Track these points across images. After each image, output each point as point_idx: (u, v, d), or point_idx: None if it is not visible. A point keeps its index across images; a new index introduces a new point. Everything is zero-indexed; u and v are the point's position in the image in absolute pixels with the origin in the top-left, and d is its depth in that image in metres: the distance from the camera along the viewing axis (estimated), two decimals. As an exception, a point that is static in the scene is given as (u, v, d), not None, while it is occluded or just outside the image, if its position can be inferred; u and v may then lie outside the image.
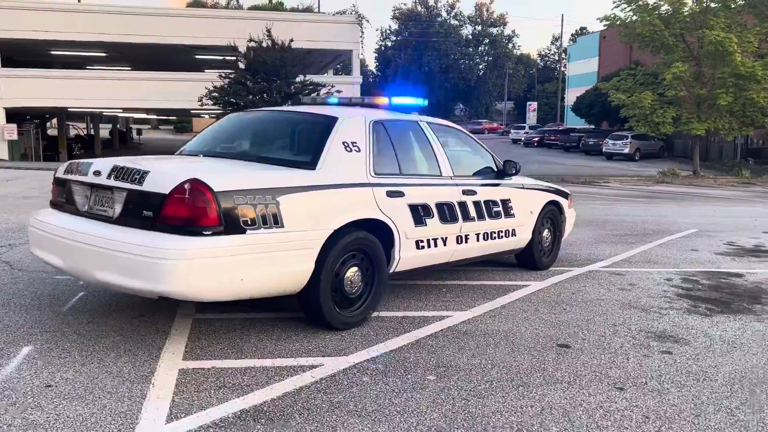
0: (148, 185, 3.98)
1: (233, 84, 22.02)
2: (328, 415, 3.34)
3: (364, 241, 4.74)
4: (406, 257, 5.14)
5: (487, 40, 71.35)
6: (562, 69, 72.83)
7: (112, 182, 4.17)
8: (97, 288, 5.35)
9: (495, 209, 6.10)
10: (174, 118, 71.42)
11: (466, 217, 5.70)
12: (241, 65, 22.58)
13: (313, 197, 4.40)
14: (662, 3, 27.56)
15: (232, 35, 23.22)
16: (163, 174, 4.04)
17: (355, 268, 4.74)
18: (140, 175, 4.04)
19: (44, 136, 35.82)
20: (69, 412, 3.27)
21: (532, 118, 65.00)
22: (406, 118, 5.71)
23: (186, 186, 3.85)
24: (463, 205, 5.68)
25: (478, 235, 5.90)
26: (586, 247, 8.79)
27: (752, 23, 27.65)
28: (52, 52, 31.09)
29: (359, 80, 31.35)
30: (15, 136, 27.89)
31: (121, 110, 36.97)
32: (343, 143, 4.82)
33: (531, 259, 6.94)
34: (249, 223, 3.99)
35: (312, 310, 4.56)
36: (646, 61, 34.16)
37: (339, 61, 37.89)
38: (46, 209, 4.90)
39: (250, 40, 21.90)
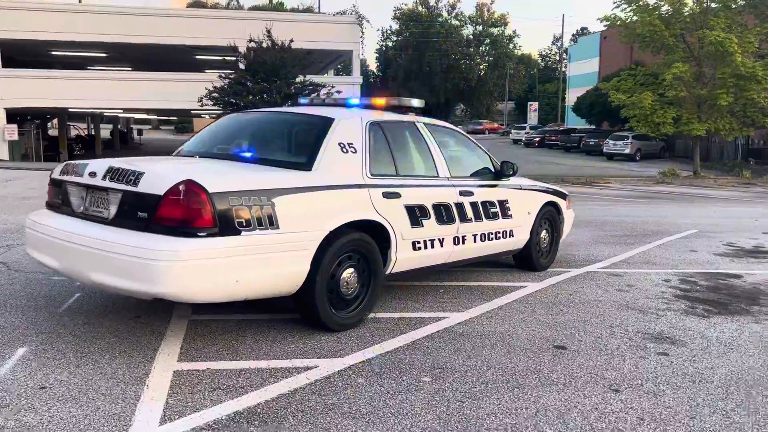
0: (143, 186, 3.97)
1: (233, 84, 22.03)
2: (321, 417, 3.34)
3: (360, 243, 4.73)
4: (402, 258, 5.13)
5: (488, 41, 71.22)
6: (563, 69, 72.81)
7: (107, 183, 4.17)
8: (94, 289, 5.35)
9: (492, 210, 6.09)
10: (175, 118, 71.47)
11: (463, 218, 5.70)
12: (241, 66, 22.59)
13: (308, 198, 4.40)
14: (662, 3, 27.54)
15: (232, 36, 23.25)
16: (157, 175, 4.04)
17: (351, 270, 4.73)
18: (135, 177, 4.04)
19: (45, 136, 35.86)
20: (62, 413, 3.26)
21: (532, 118, 64.98)
22: (403, 119, 5.71)
23: (181, 187, 3.84)
24: (460, 206, 5.67)
25: (475, 236, 5.89)
26: (584, 247, 8.78)
27: (753, 23, 27.62)
28: (53, 53, 31.13)
29: (359, 80, 31.35)
30: (15, 137, 27.91)
31: (121, 110, 36.98)
32: (340, 144, 4.82)
33: (529, 260, 6.93)
34: (244, 224, 3.98)
35: (308, 311, 4.56)
36: (647, 62, 34.12)
37: (339, 61, 37.91)
38: (42, 210, 4.89)
39: (250, 41, 21.91)
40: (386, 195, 4.94)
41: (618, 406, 3.62)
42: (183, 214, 3.84)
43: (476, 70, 70.88)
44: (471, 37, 71.49)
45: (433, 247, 5.41)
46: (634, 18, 27.92)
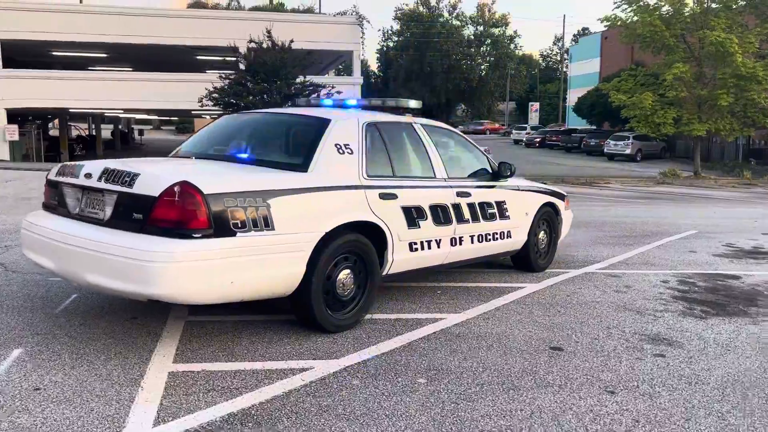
0: (138, 188, 3.97)
1: (233, 85, 22.03)
2: (315, 419, 3.33)
3: (356, 244, 4.73)
4: (399, 259, 5.13)
5: (489, 41, 71.13)
6: (564, 69, 72.75)
7: (102, 185, 4.17)
8: (90, 290, 5.34)
9: (490, 211, 6.08)
10: (176, 118, 71.51)
11: (461, 219, 5.69)
12: (242, 66, 22.59)
13: (304, 200, 4.39)
14: (663, 3, 27.52)
15: (232, 36, 23.27)
16: (153, 176, 4.04)
17: (347, 271, 4.73)
18: (130, 178, 4.04)
19: (46, 136, 35.88)
20: (56, 415, 3.26)
21: (534, 118, 64.96)
22: (400, 120, 5.70)
23: (176, 188, 3.84)
24: (457, 207, 5.66)
25: (472, 237, 5.88)
26: (583, 248, 8.77)
27: (753, 23, 27.59)
28: (54, 53, 31.15)
29: (360, 81, 31.36)
30: (16, 137, 27.94)
31: (122, 111, 37.01)
32: (336, 145, 4.81)
33: (527, 260, 6.92)
34: (239, 225, 3.98)
35: (303, 312, 4.55)
36: (648, 62, 34.12)
37: (340, 61, 37.92)
38: (38, 211, 4.89)
39: (251, 41, 21.91)
40: (383, 196, 4.93)
41: (613, 407, 3.61)
42: (178, 216, 3.83)
43: (477, 71, 70.82)
44: (472, 37, 71.43)
45: (430, 248, 5.41)
46: (635, 18, 27.90)
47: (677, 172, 28.22)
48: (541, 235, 7.06)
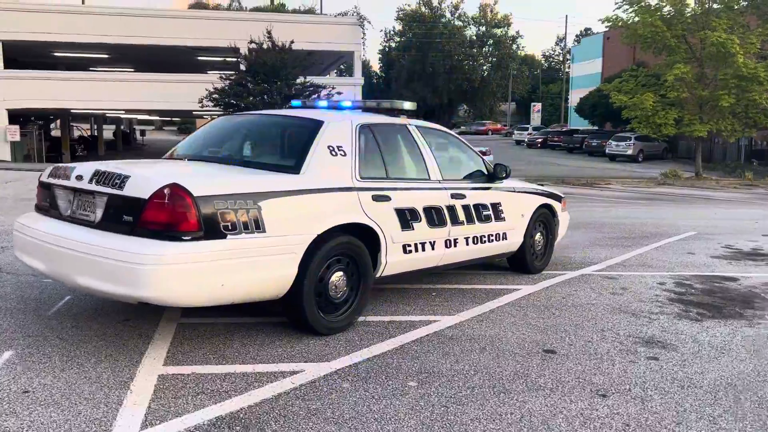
0: (129, 190, 3.96)
1: (234, 86, 22.04)
2: (304, 423, 3.32)
3: (349, 246, 4.71)
4: (393, 261, 5.11)
5: (491, 41, 71.13)
6: (566, 70, 72.69)
7: (93, 187, 4.16)
8: (82, 292, 5.34)
9: (485, 213, 6.06)
10: (177, 119, 71.56)
11: (455, 221, 5.67)
12: (242, 67, 22.60)
13: (296, 202, 4.38)
14: (664, 4, 27.47)
15: (233, 37, 23.28)
16: (143, 178, 4.02)
17: (340, 273, 4.71)
18: (121, 180, 4.03)
19: (47, 137, 35.91)
20: (43, 418, 3.25)
21: (536, 119, 64.91)
22: (394, 121, 5.69)
23: (165, 191, 3.83)
24: (451, 208, 5.64)
25: (467, 238, 5.86)
26: (581, 250, 8.74)
27: (755, 24, 27.52)
28: (55, 54, 31.16)
29: (360, 81, 31.32)
30: (17, 138, 27.96)
31: (123, 111, 37.01)
32: (329, 147, 4.80)
33: (523, 262, 6.90)
34: (229, 228, 3.97)
35: (295, 314, 4.54)
36: (650, 62, 34.07)
37: (341, 62, 37.90)
38: (31, 213, 4.90)
39: (251, 42, 21.91)
40: (376, 198, 4.91)
41: (604, 411, 3.60)
42: (168, 218, 3.82)
43: (479, 71, 70.81)
44: (474, 37, 71.44)
45: (424, 250, 5.39)
46: (636, 19, 27.85)
47: (678, 172, 28.16)
48: (538, 236, 7.03)
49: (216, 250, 3.90)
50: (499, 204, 6.27)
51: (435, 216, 5.45)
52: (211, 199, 3.92)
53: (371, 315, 5.21)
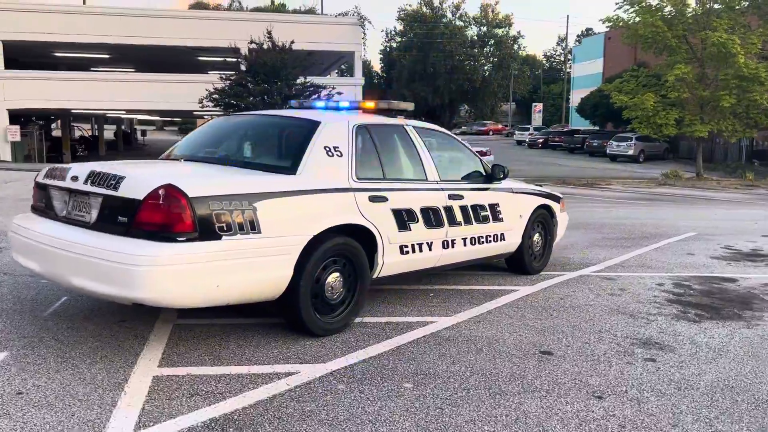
0: (123, 191, 3.96)
1: (234, 86, 22.05)
2: (298, 424, 3.31)
3: (345, 247, 4.70)
4: (389, 262, 5.10)
5: (492, 41, 70.97)
6: (568, 70, 72.62)
7: (88, 188, 4.15)
8: (77, 293, 5.33)
9: (482, 213, 6.05)
10: (179, 119, 71.60)
11: (453, 222, 5.66)
12: (243, 67, 22.61)
13: (291, 203, 4.37)
14: (665, 4, 27.43)
15: (233, 37, 23.29)
16: (138, 179, 4.02)
17: (336, 274, 4.70)
18: (116, 181, 4.02)
19: (48, 137, 35.94)
20: (36, 420, 3.24)
21: (537, 119, 64.91)
22: (392, 122, 5.68)
23: (160, 192, 3.82)
24: (449, 209, 5.63)
25: (465, 239, 5.85)
26: (580, 250, 8.72)
27: (756, 24, 27.48)
28: (56, 54, 31.20)
29: (361, 82, 31.32)
30: (18, 138, 27.99)
31: (124, 112, 37.07)
32: (325, 148, 4.78)
33: (521, 263, 6.88)
34: (225, 229, 3.96)
35: (291, 316, 4.53)
36: (652, 62, 34.02)
37: (342, 62, 37.90)
38: (27, 214, 4.89)
39: (251, 42, 21.91)
40: (372, 199, 4.90)
41: (600, 413, 3.58)
42: (162, 219, 3.81)
43: (480, 71, 70.66)
44: (475, 37, 71.29)
45: (421, 251, 5.38)
46: (637, 19, 27.82)
47: (679, 173, 28.13)
48: (536, 237, 7.02)
49: (211, 251, 3.90)
50: (496, 205, 6.25)
51: (432, 217, 5.44)
52: (206, 200, 3.91)
53: (368, 316, 5.20)
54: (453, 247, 5.72)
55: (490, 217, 6.15)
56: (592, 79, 55.66)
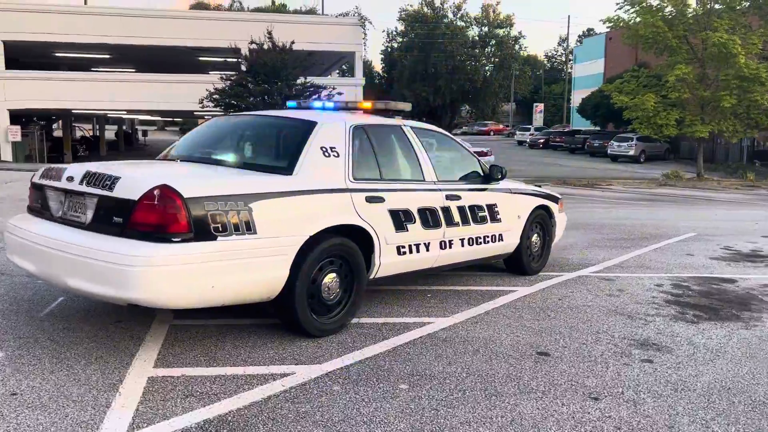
0: (119, 191, 3.95)
1: (234, 86, 22.04)
2: (292, 426, 3.30)
3: (342, 247, 4.69)
4: (386, 263, 5.09)
5: (493, 42, 70.84)
6: (569, 70, 72.57)
7: (84, 188, 4.14)
8: (73, 294, 5.32)
9: (480, 214, 6.03)
10: (179, 119, 71.64)
11: (450, 223, 5.64)
12: (243, 67, 22.61)
13: (287, 203, 4.35)
14: (666, 5, 27.41)
15: (234, 37, 23.28)
16: (133, 180, 4.01)
17: (333, 275, 4.69)
18: (111, 181, 4.01)
19: (49, 137, 35.96)
20: (30, 421, 3.23)
21: (538, 119, 64.83)
22: (389, 122, 5.67)
23: (155, 192, 3.81)
24: (446, 210, 5.62)
25: (462, 240, 5.84)
26: (579, 251, 8.71)
27: (757, 24, 27.45)
28: (57, 54, 31.21)
29: (361, 82, 31.30)
30: (19, 138, 28.00)
31: (124, 112, 37.08)
32: (321, 148, 4.77)
33: (519, 264, 6.87)
34: (220, 229, 3.95)
35: (287, 316, 4.52)
36: (653, 63, 34.00)
37: (342, 62, 37.90)
38: (23, 214, 4.88)
39: (251, 42, 21.91)
40: (369, 199, 4.89)
41: (596, 414, 3.57)
42: (158, 219, 3.80)
43: (482, 72, 70.49)
44: (476, 38, 71.17)
45: (418, 251, 5.36)
46: (637, 20, 27.80)
47: (680, 173, 28.11)
48: (534, 238, 7.01)
49: (206, 252, 3.89)
50: (494, 205, 6.24)
51: (429, 217, 5.43)
52: (201, 200, 3.90)
53: (365, 317, 5.19)
54: (451, 247, 5.70)
55: (488, 217, 6.13)
56: (593, 79, 55.63)
